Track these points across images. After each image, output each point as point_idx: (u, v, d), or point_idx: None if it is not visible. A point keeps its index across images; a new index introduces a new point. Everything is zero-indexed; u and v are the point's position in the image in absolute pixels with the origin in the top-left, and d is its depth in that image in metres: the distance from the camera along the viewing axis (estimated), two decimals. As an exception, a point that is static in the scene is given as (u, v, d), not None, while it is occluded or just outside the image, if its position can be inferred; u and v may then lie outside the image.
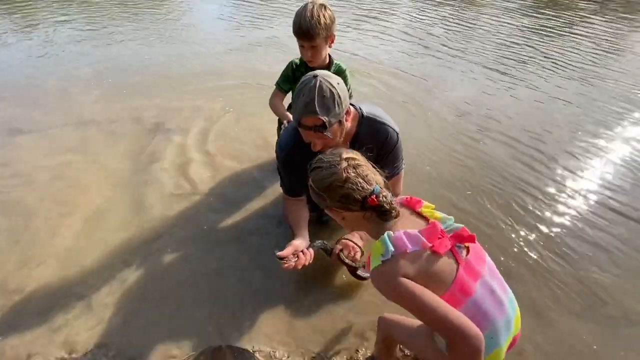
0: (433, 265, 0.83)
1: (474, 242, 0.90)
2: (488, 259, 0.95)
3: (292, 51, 3.30)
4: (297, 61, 1.74)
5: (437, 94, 3.28)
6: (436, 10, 5.99)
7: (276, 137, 2.02)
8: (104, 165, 2.20)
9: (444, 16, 5.71)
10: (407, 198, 1.03)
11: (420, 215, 0.98)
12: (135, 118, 2.67)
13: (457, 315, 0.74)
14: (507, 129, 2.79)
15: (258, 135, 2.45)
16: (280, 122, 1.86)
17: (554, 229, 1.87)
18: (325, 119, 1.13)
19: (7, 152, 2.31)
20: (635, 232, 1.88)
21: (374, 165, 0.99)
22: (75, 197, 1.94)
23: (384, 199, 0.90)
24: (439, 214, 0.96)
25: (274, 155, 1.63)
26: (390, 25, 5.15)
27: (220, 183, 2.08)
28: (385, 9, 5.96)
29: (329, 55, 1.71)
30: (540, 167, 2.37)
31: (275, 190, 2.00)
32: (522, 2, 6.84)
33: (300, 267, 1.25)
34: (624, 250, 1.77)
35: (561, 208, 2.03)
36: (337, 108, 1.14)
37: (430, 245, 0.84)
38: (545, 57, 4.24)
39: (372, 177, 0.93)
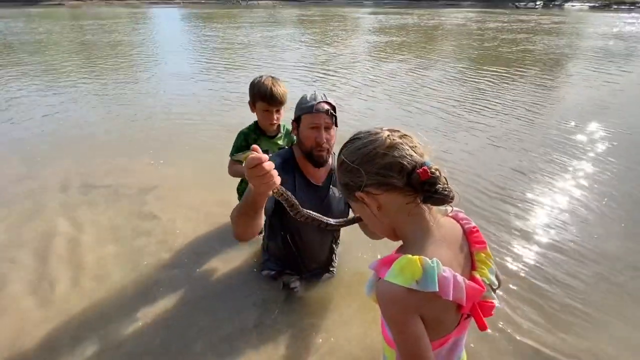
0: (446, 316, 0.68)
1: (489, 315, 0.73)
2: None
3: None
4: (246, 130, 1.84)
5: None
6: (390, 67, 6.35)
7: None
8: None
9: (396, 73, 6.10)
10: (473, 227, 0.78)
11: (470, 254, 0.74)
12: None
13: None
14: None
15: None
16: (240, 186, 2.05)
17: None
18: (333, 104, 1.35)
19: None
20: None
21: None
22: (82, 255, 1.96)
23: (439, 173, 0.66)
24: (487, 271, 0.73)
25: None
26: (348, 85, 5.46)
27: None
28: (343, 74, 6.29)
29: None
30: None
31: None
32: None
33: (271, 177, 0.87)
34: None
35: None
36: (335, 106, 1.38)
37: (464, 305, 0.66)
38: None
39: (421, 149, 0.70)
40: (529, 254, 2.02)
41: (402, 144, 0.68)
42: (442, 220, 0.73)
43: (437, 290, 0.61)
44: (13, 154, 3.16)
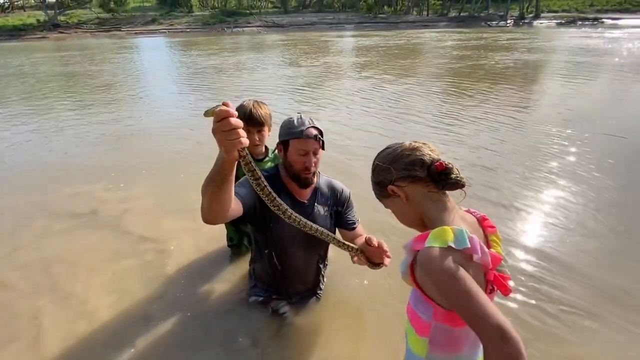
0: (478, 281, 0.75)
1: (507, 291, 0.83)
2: None
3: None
4: None
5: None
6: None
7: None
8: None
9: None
10: (483, 215, 0.94)
11: (485, 237, 0.88)
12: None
13: (502, 318, 0.67)
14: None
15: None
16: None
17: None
18: (320, 129, 1.38)
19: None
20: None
21: None
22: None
23: (451, 165, 0.84)
24: (501, 249, 0.87)
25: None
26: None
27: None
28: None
29: (265, 146, 1.86)
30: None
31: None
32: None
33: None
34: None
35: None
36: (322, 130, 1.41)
37: (489, 268, 0.78)
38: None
39: (437, 152, 0.89)
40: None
41: (422, 146, 0.88)
42: (457, 208, 0.89)
43: (469, 246, 0.76)
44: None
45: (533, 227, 2.40)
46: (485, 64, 9.44)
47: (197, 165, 1.78)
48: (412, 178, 0.86)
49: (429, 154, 0.87)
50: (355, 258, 1.32)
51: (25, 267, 2.09)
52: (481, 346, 0.75)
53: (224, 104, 0.79)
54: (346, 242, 1.27)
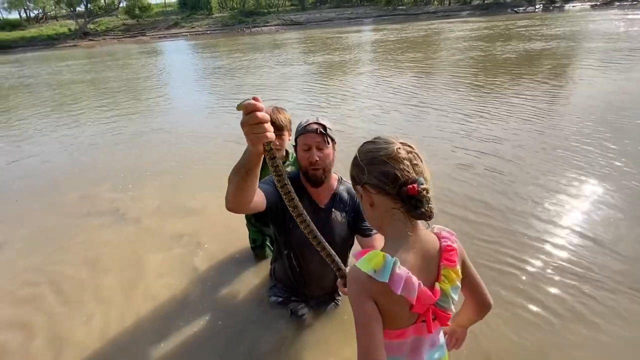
0: (399, 310, 0.79)
1: (444, 325, 0.85)
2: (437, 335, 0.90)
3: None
4: None
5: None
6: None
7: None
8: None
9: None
10: (452, 238, 0.87)
11: (438, 267, 0.83)
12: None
13: (379, 356, 0.74)
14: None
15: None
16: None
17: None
18: (326, 124, 1.38)
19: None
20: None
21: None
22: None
23: (425, 193, 0.77)
24: (449, 286, 0.82)
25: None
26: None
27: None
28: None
29: (286, 150, 1.88)
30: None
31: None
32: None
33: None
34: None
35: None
36: (331, 128, 1.41)
37: (414, 304, 0.78)
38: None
39: (421, 168, 0.81)
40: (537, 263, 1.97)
41: (405, 159, 0.80)
42: (423, 232, 0.84)
43: (387, 282, 0.74)
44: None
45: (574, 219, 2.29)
46: (510, 53, 9.04)
47: (225, 165, 1.84)
48: (380, 189, 0.80)
49: (406, 170, 0.78)
50: (339, 283, 1.13)
51: (73, 261, 2.25)
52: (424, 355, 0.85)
53: (253, 98, 0.81)
54: (340, 265, 1.09)
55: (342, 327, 1.64)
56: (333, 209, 1.50)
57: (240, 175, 0.98)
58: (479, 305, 0.95)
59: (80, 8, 37.30)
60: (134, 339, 1.68)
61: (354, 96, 6.06)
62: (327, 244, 1.04)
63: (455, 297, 0.83)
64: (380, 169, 0.80)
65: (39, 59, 19.54)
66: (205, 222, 2.58)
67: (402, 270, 0.76)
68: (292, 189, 0.96)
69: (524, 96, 5.20)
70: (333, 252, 1.06)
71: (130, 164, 3.85)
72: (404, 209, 0.79)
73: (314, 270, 1.58)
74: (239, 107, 0.83)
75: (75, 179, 3.55)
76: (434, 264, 0.83)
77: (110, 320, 1.79)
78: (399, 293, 0.75)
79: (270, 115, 1.68)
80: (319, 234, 1.03)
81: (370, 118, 4.78)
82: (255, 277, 2.01)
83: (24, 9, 40.35)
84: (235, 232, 2.32)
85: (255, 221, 2.07)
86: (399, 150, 0.80)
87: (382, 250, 0.80)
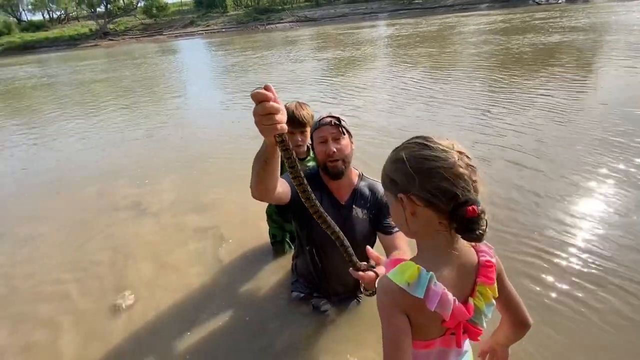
0: (429, 324, 0.75)
1: (474, 340, 0.82)
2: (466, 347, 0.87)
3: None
4: None
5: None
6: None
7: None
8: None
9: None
10: (491, 252, 0.82)
11: (474, 283, 0.78)
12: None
13: None
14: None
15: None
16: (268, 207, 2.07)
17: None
18: (340, 116, 1.38)
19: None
20: None
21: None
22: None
23: (483, 215, 0.69)
24: (483, 303, 0.78)
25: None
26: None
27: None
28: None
29: (307, 146, 1.86)
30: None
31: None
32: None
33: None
34: None
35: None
36: (347, 122, 1.41)
37: (447, 320, 0.73)
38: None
39: (478, 184, 0.72)
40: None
41: (466, 175, 0.70)
42: (460, 245, 0.76)
43: (422, 297, 0.70)
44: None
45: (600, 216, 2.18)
46: (526, 47, 8.73)
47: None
48: (431, 205, 0.71)
49: (467, 189, 0.69)
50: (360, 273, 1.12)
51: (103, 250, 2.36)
52: None
53: (264, 87, 0.76)
54: (354, 259, 1.08)
55: (364, 324, 1.63)
56: (354, 206, 1.47)
57: (259, 164, 0.98)
58: (517, 323, 0.89)
59: (100, 9, 38.31)
60: (160, 330, 1.71)
61: (367, 91, 6.01)
62: (339, 230, 1.00)
63: (489, 314, 0.79)
64: (437, 183, 0.69)
65: (61, 59, 20.17)
66: (224, 216, 2.61)
67: (438, 287, 0.71)
68: (305, 181, 0.92)
69: (542, 90, 5.03)
70: (344, 238, 1.03)
71: (145, 160, 3.94)
72: (452, 228, 0.71)
73: (335, 265, 1.56)
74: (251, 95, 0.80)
75: (94, 175, 3.66)
76: (469, 279, 0.78)
77: (139, 311, 1.84)
78: (433, 309, 0.71)
79: (293, 111, 1.70)
80: (331, 220, 0.99)
81: (384, 113, 4.72)
82: (276, 272, 2.01)
83: (47, 10, 41.78)
84: (256, 227, 2.34)
85: (276, 217, 2.07)
86: (458, 162, 0.70)
87: (414, 260, 0.75)
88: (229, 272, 2.06)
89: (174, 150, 4.18)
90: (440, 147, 0.72)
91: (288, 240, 2.14)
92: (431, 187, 0.70)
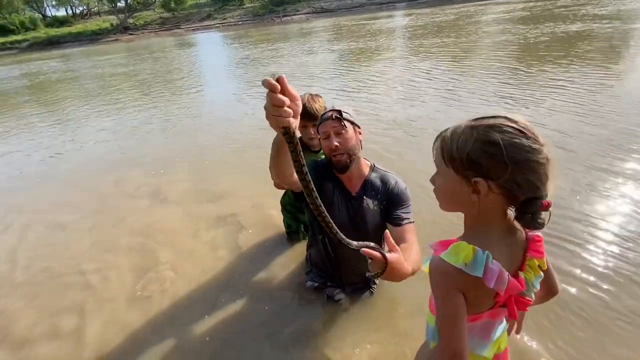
0: (483, 299, 0.78)
1: (523, 310, 0.84)
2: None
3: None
4: None
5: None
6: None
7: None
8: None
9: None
10: (536, 235, 0.82)
11: (523, 254, 0.79)
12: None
13: (462, 347, 0.73)
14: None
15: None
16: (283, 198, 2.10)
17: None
18: (342, 109, 1.37)
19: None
20: None
21: None
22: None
23: (550, 207, 0.70)
24: (533, 276, 0.80)
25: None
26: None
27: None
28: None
29: None
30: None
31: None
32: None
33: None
34: None
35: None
36: (351, 112, 1.40)
37: (501, 294, 0.75)
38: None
39: (551, 177, 0.71)
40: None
41: (548, 168, 0.69)
42: (510, 222, 0.77)
43: (481, 276, 0.71)
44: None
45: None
46: (546, 36, 8.36)
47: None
48: (510, 194, 0.69)
49: (545, 183, 0.69)
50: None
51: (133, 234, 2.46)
52: (490, 339, 0.84)
53: (277, 79, 0.74)
54: (349, 240, 0.98)
55: (377, 314, 1.65)
56: (365, 197, 1.47)
57: (274, 151, 1.03)
58: (547, 291, 0.93)
59: (121, 3, 39.05)
60: (180, 314, 1.79)
61: (382, 82, 5.93)
62: (329, 220, 0.90)
63: (537, 285, 0.81)
64: (527, 176, 0.67)
65: (83, 54, 20.75)
66: (240, 205, 2.67)
67: (495, 265, 0.73)
68: (310, 177, 0.86)
69: (563, 80, 4.83)
70: (335, 228, 0.91)
71: (160, 150, 4.06)
72: (515, 215, 0.73)
73: (347, 255, 1.58)
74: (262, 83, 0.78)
75: (110, 165, 3.80)
76: (519, 254, 0.79)
77: (161, 295, 1.92)
78: (492, 287, 0.73)
79: (305, 104, 1.70)
80: (323, 210, 0.90)
81: (399, 104, 4.65)
82: (291, 261, 2.05)
83: (70, 5, 42.93)
84: (271, 217, 2.40)
85: (290, 207, 2.10)
86: (547, 155, 0.68)
87: (466, 240, 0.76)
88: (247, 258, 2.12)
89: (189, 140, 4.28)
90: (534, 136, 0.69)
91: (302, 230, 2.18)
92: (521, 179, 0.68)
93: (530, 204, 0.69)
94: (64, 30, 34.98)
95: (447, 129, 0.77)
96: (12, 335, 1.79)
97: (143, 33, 33.30)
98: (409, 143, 3.41)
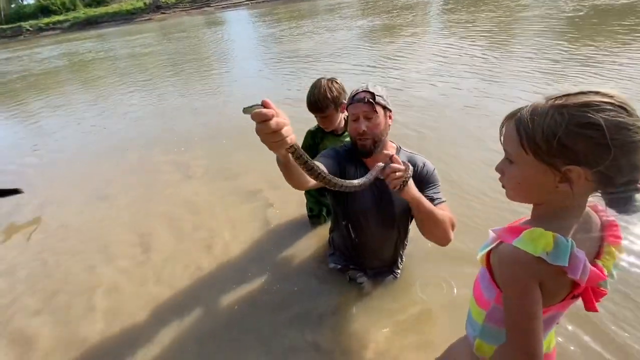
0: (560, 291, 0.70)
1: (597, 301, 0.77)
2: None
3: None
4: (313, 128, 1.90)
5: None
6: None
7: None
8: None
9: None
10: (612, 221, 0.76)
11: (600, 241, 0.73)
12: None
13: (540, 351, 0.67)
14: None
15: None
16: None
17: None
18: (374, 92, 1.30)
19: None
20: None
21: None
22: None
23: None
24: (611, 263, 0.73)
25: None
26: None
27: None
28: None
29: (345, 119, 1.82)
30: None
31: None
32: None
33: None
34: None
35: None
36: (384, 95, 1.33)
37: (581, 285, 0.68)
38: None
39: None
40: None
41: None
42: (588, 209, 0.72)
43: (566, 265, 0.64)
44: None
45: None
46: (607, 6, 7.50)
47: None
48: (606, 181, 0.61)
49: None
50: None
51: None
52: (546, 335, 0.77)
53: (263, 104, 0.70)
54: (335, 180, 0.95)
55: (400, 298, 1.63)
56: None
57: (281, 169, 0.97)
58: None
59: (154, -18, 39.48)
60: (208, 286, 1.86)
61: (411, 60, 5.65)
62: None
63: (615, 275, 0.72)
64: (630, 159, 0.59)
65: (118, 34, 21.37)
66: (264, 183, 2.70)
67: (580, 253, 0.65)
68: (327, 173, 0.91)
69: (621, 58, 4.34)
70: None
71: (182, 128, 4.15)
72: (608, 198, 0.64)
73: (371, 240, 1.56)
74: (246, 111, 0.73)
75: (134, 142, 3.95)
76: (595, 241, 0.72)
77: (197, 266, 2.00)
78: (578, 277, 0.65)
79: (310, 97, 1.65)
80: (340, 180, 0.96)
81: (434, 85, 4.42)
82: (315, 242, 2.06)
83: (107, -15, 43.98)
84: (294, 194, 2.37)
85: (313, 191, 2.09)
86: None
87: (541, 226, 0.68)
88: (274, 235, 2.18)
89: (213, 119, 4.35)
90: (634, 111, 0.60)
91: (324, 214, 2.16)
92: (625, 162, 0.58)
93: (628, 188, 0.60)
94: (101, 10, 36.02)
95: (521, 109, 0.67)
96: (74, 284, 1.95)
97: (174, 12, 33.65)
98: (436, 122, 3.26)
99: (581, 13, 7.59)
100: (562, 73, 4.20)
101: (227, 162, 3.15)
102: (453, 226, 1.29)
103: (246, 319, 1.64)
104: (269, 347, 1.50)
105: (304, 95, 1.80)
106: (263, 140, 0.74)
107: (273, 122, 0.70)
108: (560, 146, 0.60)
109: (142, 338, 1.62)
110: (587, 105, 0.59)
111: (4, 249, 2.46)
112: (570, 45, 5.28)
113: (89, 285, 2.00)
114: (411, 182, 1.14)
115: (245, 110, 0.73)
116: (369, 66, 5.69)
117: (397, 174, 1.10)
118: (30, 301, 1.94)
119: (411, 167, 1.13)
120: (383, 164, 1.12)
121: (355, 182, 1.01)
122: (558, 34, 6.21)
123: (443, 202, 1.35)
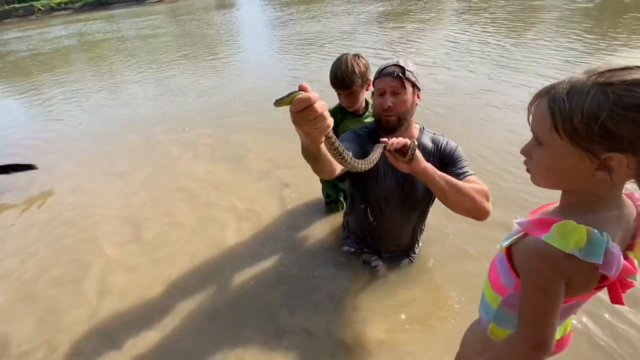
0: (586, 284, 0.67)
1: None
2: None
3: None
4: (332, 109, 1.81)
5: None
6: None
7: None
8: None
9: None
10: None
11: (633, 231, 0.68)
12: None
13: (551, 336, 0.65)
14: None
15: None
16: None
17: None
18: (405, 66, 1.25)
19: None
20: None
21: None
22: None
23: None
24: None
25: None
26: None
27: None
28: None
29: (365, 100, 1.76)
30: None
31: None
32: None
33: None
34: None
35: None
36: (415, 72, 1.27)
37: (610, 279, 0.64)
38: None
39: None
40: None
41: None
42: (623, 197, 0.66)
43: (601, 263, 0.59)
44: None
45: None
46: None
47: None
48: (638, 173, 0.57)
49: None
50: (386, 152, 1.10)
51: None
52: (565, 320, 0.77)
53: (301, 89, 0.65)
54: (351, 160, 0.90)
55: (414, 283, 1.61)
56: None
57: (311, 161, 0.92)
58: None
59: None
60: (213, 265, 1.86)
61: (426, 44, 5.50)
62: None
63: None
64: None
65: (129, 15, 21.18)
66: (280, 163, 2.71)
67: (616, 249, 0.60)
68: (357, 160, 0.90)
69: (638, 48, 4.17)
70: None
71: (191, 110, 4.12)
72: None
73: (390, 225, 1.54)
74: (280, 103, 0.65)
75: (139, 124, 3.92)
76: (629, 231, 0.66)
77: (212, 241, 2.01)
78: (612, 274, 0.60)
79: (335, 72, 1.60)
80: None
81: (449, 72, 4.30)
82: (330, 225, 2.05)
83: (117, -35, 43.44)
84: (310, 176, 2.36)
85: None
86: None
87: (569, 217, 0.62)
88: (291, 215, 2.17)
89: (219, 100, 4.34)
90: None
91: (341, 199, 2.14)
92: None
93: None
94: (112, -10, 35.69)
95: (555, 86, 0.59)
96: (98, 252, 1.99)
97: (184, -6, 33.19)
98: (450, 110, 3.17)
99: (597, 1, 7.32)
100: (579, 61, 4.06)
101: (238, 146, 3.13)
102: (487, 197, 1.20)
103: (258, 299, 1.64)
104: (281, 328, 1.49)
105: (316, 76, 1.75)
106: (307, 131, 0.69)
107: (318, 105, 0.64)
108: (603, 131, 0.54)
109: (155, 311, 1.64)
110: (637, 83, 0.52)
111: (30, 216, 2.48)
112: (587, 35, 5.11)
113: (107, 260, 2.01)
114: (418, 154, 1.10)
115: (280, 102, 0.66)
116: (384, 49, 5.57)
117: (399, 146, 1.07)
118: (49, 274, 1.96)
119: (415, 141, 1.09)
120: (385, 140, 1.10)
121: (372, 158, 1.01)
122: (575, 23, 5.99)
123: (471, 174, 1.29)
